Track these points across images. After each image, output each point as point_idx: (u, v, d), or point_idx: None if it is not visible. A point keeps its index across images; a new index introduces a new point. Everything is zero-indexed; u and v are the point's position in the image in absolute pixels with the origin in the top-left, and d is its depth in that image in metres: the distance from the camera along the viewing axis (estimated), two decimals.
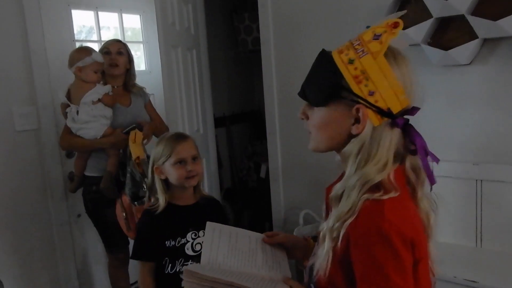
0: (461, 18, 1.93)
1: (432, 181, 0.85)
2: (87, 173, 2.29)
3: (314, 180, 2.79)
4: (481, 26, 1.88)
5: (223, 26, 3.66)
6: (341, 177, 0.88)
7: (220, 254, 1.02)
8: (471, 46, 1.93)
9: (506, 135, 1.98)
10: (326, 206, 0.93)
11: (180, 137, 1.66)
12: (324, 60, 0.86)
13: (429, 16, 2.01)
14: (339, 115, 0.85)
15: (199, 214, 1.61)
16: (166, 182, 1.62)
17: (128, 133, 2.17)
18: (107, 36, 2.84)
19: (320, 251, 0.84)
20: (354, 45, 0.83)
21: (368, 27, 0.87)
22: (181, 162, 1.58)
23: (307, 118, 0.92)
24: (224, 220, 1.54)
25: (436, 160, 0.85)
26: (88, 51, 2.17)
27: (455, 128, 2.08)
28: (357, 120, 0.83)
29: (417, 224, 0.84)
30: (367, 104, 0.81)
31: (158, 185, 1.60)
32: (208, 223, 1.13)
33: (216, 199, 1.89)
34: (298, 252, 1.11)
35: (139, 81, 2.93)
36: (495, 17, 1.87)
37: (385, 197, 0.79)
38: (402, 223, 0.78)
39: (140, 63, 3.12)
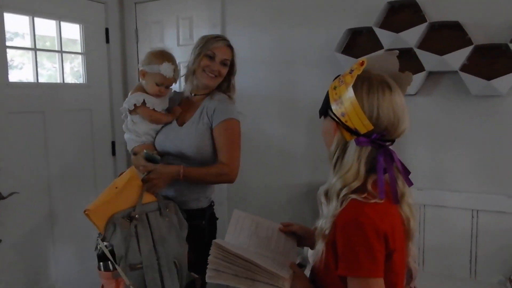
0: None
1: (381, 195, 0.99)
2: None
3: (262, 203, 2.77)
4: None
5: None
6: None
7: (241, 236, 1.20)
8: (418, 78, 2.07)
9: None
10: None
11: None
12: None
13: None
14: (328, 127, 1.07)
15: None
16: None
17: (148, 159, 1.71)
18: (17, 43, 2.57)
19: (318, 246, 1.03)
20: (341, 75, 1.05)
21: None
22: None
23: None
24: None
25: (409, 183, 1.05)
26: (160, 58, 1.79)
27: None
28: None
29: (394, 223, 0.99)
30: (339, 122, 1.01)
31: None
32: (236, 210, 1.30)
33: None
34: (309, 241, 1.27)
35: (75, 94, 2.75)
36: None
37: (371, 201, 0.96)
38: (378, 219, 0.93)
39: (78, 76, 2.91)
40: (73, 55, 2.87)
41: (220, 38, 1.86)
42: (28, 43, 2.52)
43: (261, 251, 1.17)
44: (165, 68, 1.77)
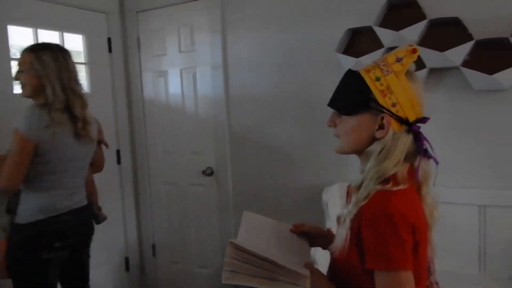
0: None
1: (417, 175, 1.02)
2: None
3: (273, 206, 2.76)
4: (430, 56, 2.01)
5: None
6: None
7: (252, 237, 1.16)
8: (420, 75, 2.06)
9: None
10: (347, 196, 1.13)
11: None
12: (353, 77, 1.04)
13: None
14: (366, 122, 1.02)
15: None
16: None
17: None
18: None
19: (341, 231, 1.01)
20: (380, 65, 1.01)
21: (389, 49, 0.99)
22: None
23: (335, 125, 1.08)
24: None
25: (436, 162, 1.04)
26: None
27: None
28: (381, 126, 1.00)
29: (420, 213, 0.99)
30: (390, 114, 0.98)
31: None
32: (245, 212, 1.28)
33: None
34: (321, 241, 1.27)
35: None
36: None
37: (395, 188, 0.95)
38: (406, 209, 0.92)
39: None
40: (76, 66, 2.89)
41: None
42: None
43: (274, 251, 1.12)
44: None
